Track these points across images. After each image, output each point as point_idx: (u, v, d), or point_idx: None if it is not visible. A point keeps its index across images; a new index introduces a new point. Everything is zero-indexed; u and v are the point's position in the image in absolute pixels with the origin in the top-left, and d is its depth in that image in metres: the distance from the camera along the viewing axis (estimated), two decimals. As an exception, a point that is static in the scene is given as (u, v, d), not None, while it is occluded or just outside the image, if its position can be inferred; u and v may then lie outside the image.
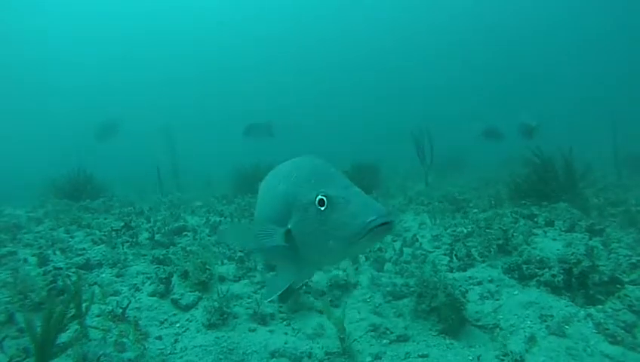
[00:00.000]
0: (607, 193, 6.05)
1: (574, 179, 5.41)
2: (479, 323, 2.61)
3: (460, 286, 2.88)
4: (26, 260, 3.64)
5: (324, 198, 1.37)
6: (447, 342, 2.48)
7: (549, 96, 32.61)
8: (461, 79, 41.21)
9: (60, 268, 3.34)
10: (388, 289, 3.07)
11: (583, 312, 2.55)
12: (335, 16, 47.64)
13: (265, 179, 1.91)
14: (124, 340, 2.37)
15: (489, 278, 3.15)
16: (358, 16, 46.12)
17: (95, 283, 3.18)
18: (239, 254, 3.74)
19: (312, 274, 3.25)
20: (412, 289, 2.90)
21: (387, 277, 3.38)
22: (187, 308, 2.88)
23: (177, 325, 2.68)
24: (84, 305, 2.37)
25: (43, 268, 3.35)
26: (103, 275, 3.39)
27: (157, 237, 4.35)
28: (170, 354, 2.36)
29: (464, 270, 3.43)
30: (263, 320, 2.75)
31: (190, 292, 3.04)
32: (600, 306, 2.58)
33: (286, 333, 2.63)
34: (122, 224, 4.41)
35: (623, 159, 8.74)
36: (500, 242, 3.63)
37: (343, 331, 2.39)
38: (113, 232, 4.25)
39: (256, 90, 43.36)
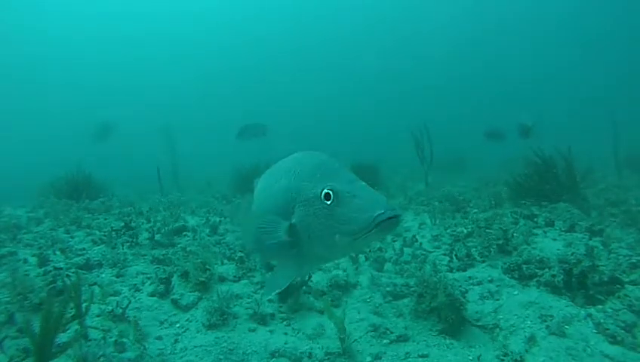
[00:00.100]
0: (608, 193, 6.05)
1: (575, 179, 5.42)
2: (479, 323, 2.61)
3: (460, 286, 2.89)
4: (26, 260, 3.64)
5: (331, 192, 1.36)
6: (447, 342, 2.48)
7: (549, 96, 32.65)
8: (461, 79, 41.24)
9: (60, 269, 3.34)
10: (388, 289, 3.07)
11: (583, 312, 2.55)
12: (335, 16, 47.67)
13: (263, 176, 1.88)
14: (124, 340, 2.37)
15: (489, 278, 3.15)
16: (358, 16, 46.15)
17: (95, 284, 3.18)
18: (239, 254, 3.74)
19: (313, 272, 3.25)
20: (412, 289, 2.90)
21: (387, 277, 3.38)
22: (187, 308, 2.88)
23: (177, 325, 2.68)
24: (83, 305, 2.37)
25: (43, 269, 3.35)
26: (103, 275, 3.39)
27: (157, 237, 4.35)
28: (170, 354, 2.36)
29: (464, 270, 3.43)
30: (262, 320, 2.75)
31: (190, 292, 3.04)
32: (600, 306, 2.58)
33: (286, 333, 2.63)
34: (122, 224, 4.41)
35: (624, 159, 8.75)
36: (500, 242, 3.63)
37: (343, 331, 2.39)
38: (113, 232, 4.25)
39: (256, 91, 43.38)
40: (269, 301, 2.99)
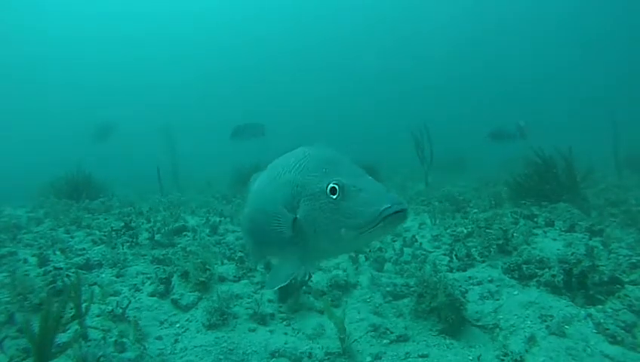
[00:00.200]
0: (608, 193, 6.05)
1: (575, 179, 5.42)
2: (479, 323, 2.61)
3: (460, 286, 2.89)
4: (26, 260, 3.64)
5: (337, 186, 1.35)
6: (447, 342, 2.48)
7: (549, 96, 32.66)
8: (461, 79, 41.24)
9: (60, 269, 3.34)
10: (388, 289, 3.07)
11: (583, 312, 2.55)
12: (335, 16, 47.66)
13: (263, 172, 1.87)
14: (124, 340, 2.37)
15: (489, 278, 3.15)
16: (358, 16, 46.14)
17: (95, 284, 3.18)
18: (239, 254, 3.74)
19: (313, 271, 3.24)
20: (412, 289, 2.90)
21: (387, 277, 3.38)
22: (187, 308, 2.88)
23: (177, 325, 2.68)
24: (83, 305, 2.37)
25: (43, 269, 3.35)
26: (103, 275, 3.39)
27: (157, 237, 4.35)
28: (170, 354, 2.36)
29: (464, 270, 3.43)
30: (262, 320, 2.75)
31: (190, 292, 3.04)
32: (600, 306, 2.58)
33: (286, 333, 2.63)
34: (122, 224, 4.41)
35: (624, 159, 8.75)
36: (500, 242, 3.63)
37: (343, 331, 2.39)
38: (113, 232, 4.25)
39: (256, 91, 43.37)
40: (269, 301, 2.99)
